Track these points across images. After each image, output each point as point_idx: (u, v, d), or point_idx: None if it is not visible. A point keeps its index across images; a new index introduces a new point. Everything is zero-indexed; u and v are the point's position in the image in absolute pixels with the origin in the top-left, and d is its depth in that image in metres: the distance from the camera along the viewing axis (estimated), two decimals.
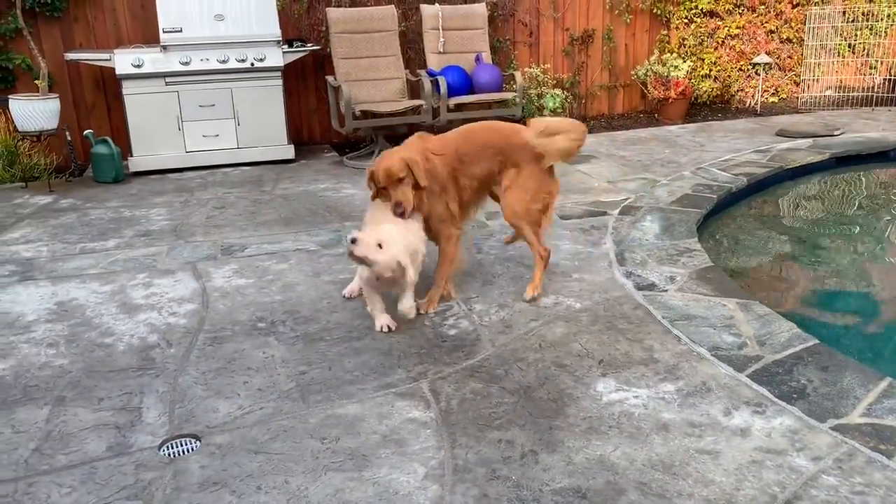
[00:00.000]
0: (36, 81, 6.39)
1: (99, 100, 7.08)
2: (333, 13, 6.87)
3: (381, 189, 3.40)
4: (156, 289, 3.88)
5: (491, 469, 2.32)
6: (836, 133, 7.10)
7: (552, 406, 2.66)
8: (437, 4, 7.31)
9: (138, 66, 6.27)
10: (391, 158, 3.37)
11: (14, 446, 2.52)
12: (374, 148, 6.92)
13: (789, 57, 8.94)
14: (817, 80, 8.84)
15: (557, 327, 3.29)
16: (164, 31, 6.35)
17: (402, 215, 3.33)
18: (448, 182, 3.53)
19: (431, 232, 3.58)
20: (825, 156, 6.27)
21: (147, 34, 6.96)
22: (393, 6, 7.16)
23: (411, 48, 7.65)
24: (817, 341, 3.03)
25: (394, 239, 3.14)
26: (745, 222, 5.20)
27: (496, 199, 3.79)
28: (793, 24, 8.79)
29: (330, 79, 6.90)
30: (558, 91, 7.67)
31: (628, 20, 8.60)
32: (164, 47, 6.34)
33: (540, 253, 3.66)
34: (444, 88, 6.71)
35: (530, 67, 7.92)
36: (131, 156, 6.46)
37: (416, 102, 6.72)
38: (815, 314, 3.86)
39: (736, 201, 5.40)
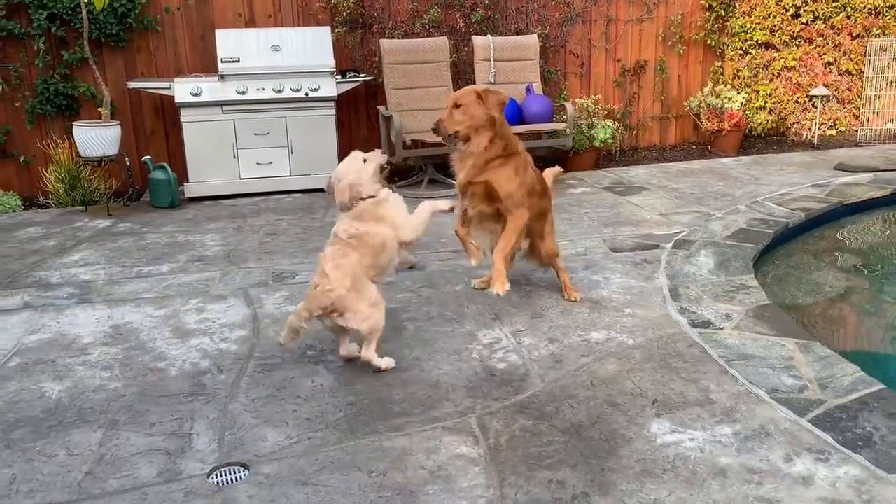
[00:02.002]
0: (99, 109, 6.61)
1: (158, 127, 7.28)
2: (387, 44, 6.97)
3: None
4: (208, 314, 3.93)
5: None
6: None
7: (604, 446, 2.60)
8: (488, 36, 7.36)
9: (196, 95, 6.44)
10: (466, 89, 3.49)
11: (68, 469, 2.56)
12: (424, 177, 6.96)
13: (848, 89, 8.74)
14: (877, 112, 8.62)
15: (609, 364, 3.22)
16: (222, 61, 6.52)
17: (435, 131, 3.42)
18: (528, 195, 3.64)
19: (495, 216, 3.62)
20: (887, 191, 6.08)
21: (206, 64, 7.16)
22: (445, 38, 7.23)
23: (462, 79, 7.70)
24: (883, 386, 2.90)
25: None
26: (803, 259, 5.05)
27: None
28: (852, 56, 8.61)
29: (382, 108, 6.99)
30: (609, 122, 7.62)
31: (681, 51, 8.53)
32: (222, 76, 6.51)
33: (562, 268, 4.05)
34: None
35: (581, 98, 7.89)
36: (187, 181, 6.62)
37: None
38: (880, 357, 3.71)
39: (793, 237, 5.25)
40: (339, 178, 3.26)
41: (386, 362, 3.22)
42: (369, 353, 3.17)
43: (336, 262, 3.11)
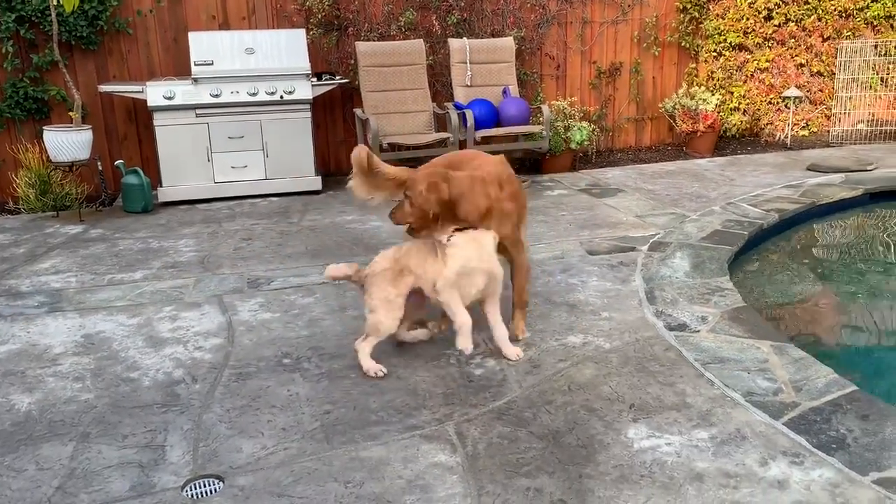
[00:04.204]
0: (70, 113, 6.51)
1: (130, 131, 7.19)
2: (362, 47, 6.94)
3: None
4: (182, 322, 3.88)
5: None
6: (869, 168, 6.98)
7: (582, 452, 2.59)
8: (464, 38, 7.35)
9: (170, 98, 6.36)
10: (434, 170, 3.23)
11: (38, 484, 2.51)
12: None
13: (820, 90, 8.85)
14: (848, 113, 8.73)
15: (587, 369, 3.22)
16: (195, 64, 6.45)
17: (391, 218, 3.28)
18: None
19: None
20: (859, 191, 6.16)
21: (179, 67, 7.08)
22: (421, 40, 7.21)
23: (438, 81, 7.69)
24: (856, 388, 2.93)
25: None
26: (777, 260, 5.11)
27: None
28: (823, 58, 8.72)
29: (358, 111, 6.95)
30: (585, 124, 7.64)
31: (656, 53, 8.59)
32: (196, 80, 6.44)
33: None
34: (471, 121, 6.72)
35: (557, 100, 7.91)
36: (161, 186, 6.53)
37: (443, 135, 6.74)
38: (853, 359, 3.75)
39: (767, 238, 5.30)
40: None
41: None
42: (360, 344, 3.32)
43: (388, 254, 3.32)
